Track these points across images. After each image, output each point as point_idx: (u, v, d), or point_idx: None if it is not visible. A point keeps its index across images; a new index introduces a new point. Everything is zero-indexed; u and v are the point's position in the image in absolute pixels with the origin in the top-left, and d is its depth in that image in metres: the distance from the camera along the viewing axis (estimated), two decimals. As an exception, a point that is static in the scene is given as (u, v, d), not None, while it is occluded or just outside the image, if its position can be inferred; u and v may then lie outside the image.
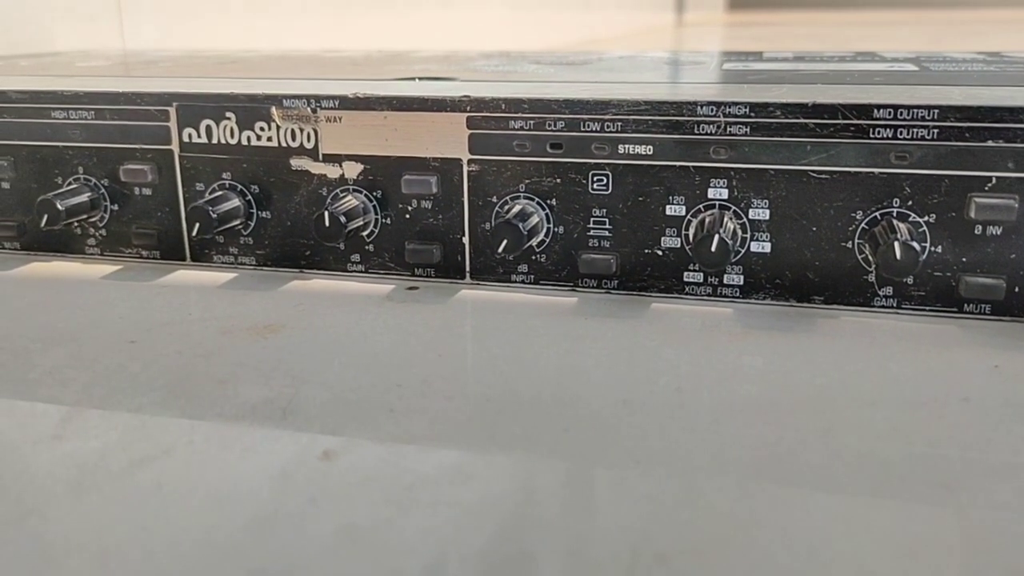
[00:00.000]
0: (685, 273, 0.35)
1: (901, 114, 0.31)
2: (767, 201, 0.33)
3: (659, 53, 0.58)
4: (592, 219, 0.35)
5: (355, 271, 0.38)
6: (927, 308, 0.33)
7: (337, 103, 0.36)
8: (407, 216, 0.37)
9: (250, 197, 0.38)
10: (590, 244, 0.35)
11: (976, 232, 0.32)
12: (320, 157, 0.37)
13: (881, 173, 0.32)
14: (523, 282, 0.36)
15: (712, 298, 0.35)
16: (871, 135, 0.32)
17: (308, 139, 0.37)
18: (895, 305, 0.33)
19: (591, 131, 0.34)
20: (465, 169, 0.35)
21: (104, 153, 0.39)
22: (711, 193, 0.33)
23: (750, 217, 0.33)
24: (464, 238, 0.36)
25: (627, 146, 0.34)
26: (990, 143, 0.31)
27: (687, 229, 0.34)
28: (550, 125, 0.34)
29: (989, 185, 0.31)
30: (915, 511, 0.21)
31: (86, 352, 0.31)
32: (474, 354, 0.31)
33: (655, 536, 0.20)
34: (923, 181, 0.32)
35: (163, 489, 0.22)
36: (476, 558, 0.19)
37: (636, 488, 0.22)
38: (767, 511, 0.21)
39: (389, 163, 0.36)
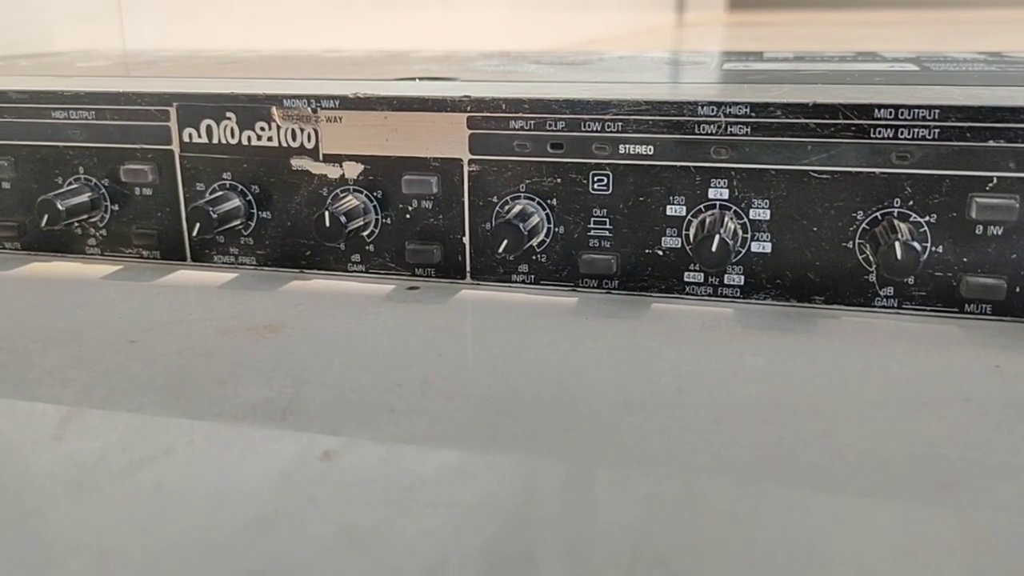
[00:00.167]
0: (686, 273, 0.35)
1: (902, 114, 0.31)
2: (768, 201, 0.33)
3: (659, 53, 0.57)
4: (593, 219, 0.35)
5: (355, 271, 0.38)
6: (928, 308, 0.33)
7: (337, 103, 0.36)
8: (407, 216, 0.37)
9: (250, 197, 0.38)
10: (591, 244, 0.35)
11: (977, 232, 0.32)
12: (320, 157, 0.37)
13: (882, 173, 0.32)
14: (523, 282, 0.36)
15: (713, 298, 0.35)
16: (872, 135, 0.32)
17: (308, 139, 0.37)
18: (896, 305, 0.33)
19: (592, 131, 0.34)
20: (465, 169, 0.35)
21: (104, 153, 0.39)
22: (712, 193, 0.33)
23: (751, 217, 0.33)
24: (464, 238, 0.36)
25: (628, 146, 0.34)
26: (991, 143, 0.31)
27: (688, 229, 0.34)
28: (551, 125, 0.34)
29: (990, 185, 0.31)
30: (916, 511, 0.21)
31: (86, 352, 0.31)
32: (474, 354, 0.30)
33: (655, 536, 0.20)
34: (924, 181, 0.32)
35: (163, 489, 0.22)
36: (476, 558, 0.19)
37: (636, 488, 0.22)
38: (768, 511, 0.21)
39: (389, 163, 0.36)
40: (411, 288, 0.37)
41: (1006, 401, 0.26)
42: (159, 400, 0.27)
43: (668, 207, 0.34)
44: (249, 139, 0.37)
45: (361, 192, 0.37)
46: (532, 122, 0.34)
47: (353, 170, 0.37)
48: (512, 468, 0.23)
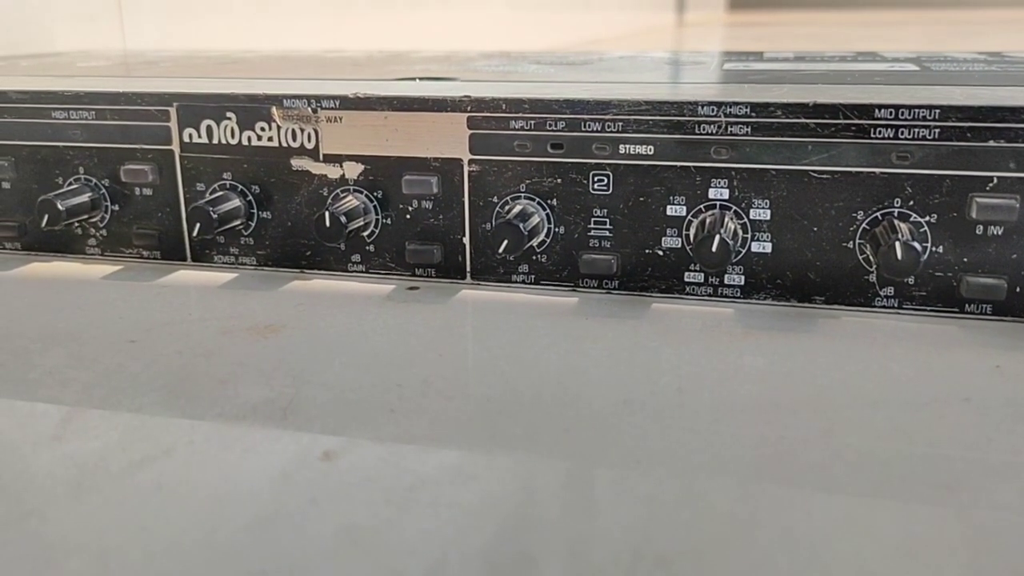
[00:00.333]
0: (686, 273, 0.35)
1: (902, 114, 0.31)
2: (768, 201, 0.33)
3: (660, 53, 0.57)
4: (593, 219, 0.35)
5: (356, 271, 0.38)
6: (928, 308, 0.33)
7: (338, 103, 0.36)
8: (408, 216, 0.37)
9: (251, 197, 0.38)
10: (591, 244, 0.35)
11: (977, 232, 0.32)
12: (321, 157, 0.37)
13: (882, 173, 0.32)
14: (524, 282, 0.36)
15: (713, 298, 0.35)
16: (872, 135, 0.31)
17: (309, 139, 0.37)
18: (896, 305, 0.33)
19: (592, 131, 0.34)
20: (466, 169, 0.35)
21: (105, 153, 0.39)
22: (712, 193, 0.33)
23: (751, 217, 0.33)
24: (465, 238, 0.36)
25: (628, 146, 0.34)
26: (991, 143, 0.31)
27: (688, 229, 0.34)
28: (551, 125, 0.34)
29: (990, 185, 0.31)
30: (916, 511, 0.21)
31: (86, 352, 0.31)
32: (475, 354, 0.30)
33: (656, 537, 0.20)
34: (924, 181, 0.32)
35: (163, 489, 0.22)
36: (477, 559, 0.19)
37: (637, 488, 0.22)
38: (768, 512, 0.21)
39: (390, 163, 0.36)
40: (411, 288, 0.37)
41: (1006, 401, 0.26)
42: (159, 400, 0.27)
43: (668, 207, 0.34)
44: (249, 139, 0.37)
45: (361, 192, 0.37)
46: (532, 122, 0.34)
47: (353, 170, 0.37)
48: (512, 468, 0.23)
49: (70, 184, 0.40)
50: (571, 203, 0.35)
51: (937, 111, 0.31)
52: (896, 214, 0.32)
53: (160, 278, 0.38)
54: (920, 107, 0.31)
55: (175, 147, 0.38)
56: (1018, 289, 0.32)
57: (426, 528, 0.20)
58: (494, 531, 0.20)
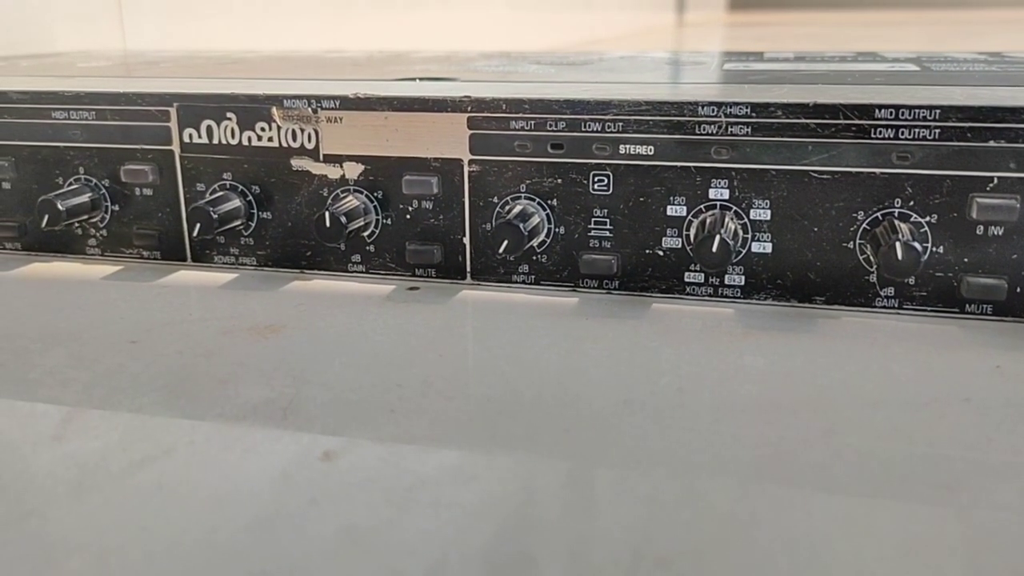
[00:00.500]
0: (686, 273, 0.35)
1: (902, 114, 0.31)
2: (768, 201, 0.33)
3: (660, 53, 0.57)
4: (593, 219, 0.35)
5: (356, 271, 0.38)
6: (928, 308, 0.33)
7: (338, 103, 0.36)
8: (408, 216, 0.37)
9: (251, 197, 0.38)
10: (591, 244, 0.35)
11: (978, 232, 0.32)
12: (321, 157, 0.37)
13: (882, 173, 0.32)
14: (524, 282, 0.36)
15: (713, 298, 0.35)
16: (872, 135, 0.31)
17: (309, 139, 0.37)
18: (896, 305, 0.33)
19: (592, 131, 0.34)
20: (466, 169, 0.35)
21: (105, 153, 0.39)
22: (712, 193, 0.33)
23: (751, 217, 0.33)
24: (465, 238, 0.36)
25: (628, 146, 0.34)
26: (992, 143, 0.31)
27: (688, 229, 0.34)
28: (551, 125, 0.34)
29: (991, 185, 0.31)
30: (916, 512, 0.21)
31: (87, 352, 0.31)
32: (475, 354, 0.30)
33: (656, 537, 0.20)
34: (925, 181, 0.32)
35: (164, 490, 0.22)
36: (477, 559, 0.19)
37: (637, 489, 0.22)
38: (768, 512, 0.21)
39: (390, 163, 0.36)
40: (411, 288, 0.37)
41: (1006, 401, 0.26)
42: (160, 400, 0.27)
43: (668, 207, 0.34)
44: (249, 139, 0.37)
45: (361, 192, 0.37)
46: (532, 122, 0.34)
47: (353, 170, 0.37)
48: (513, 468, 0.23)
49: (70, 184, 0.40)
50: (571, 203, 0.35)
51: (937, 111, 0.31)
52: (896, 214, 0.32)
53: (160, 278, 0.38)
54: (920, 107, 0.31)
55: (175, 147, 0.38)
56: (1018, 289, 0.32)
57: (426, 528, 0.20)
58: (494, 531, 0.20)
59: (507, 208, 0.35)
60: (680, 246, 0.34)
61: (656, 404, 0.26)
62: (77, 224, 0.40)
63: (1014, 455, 0.23)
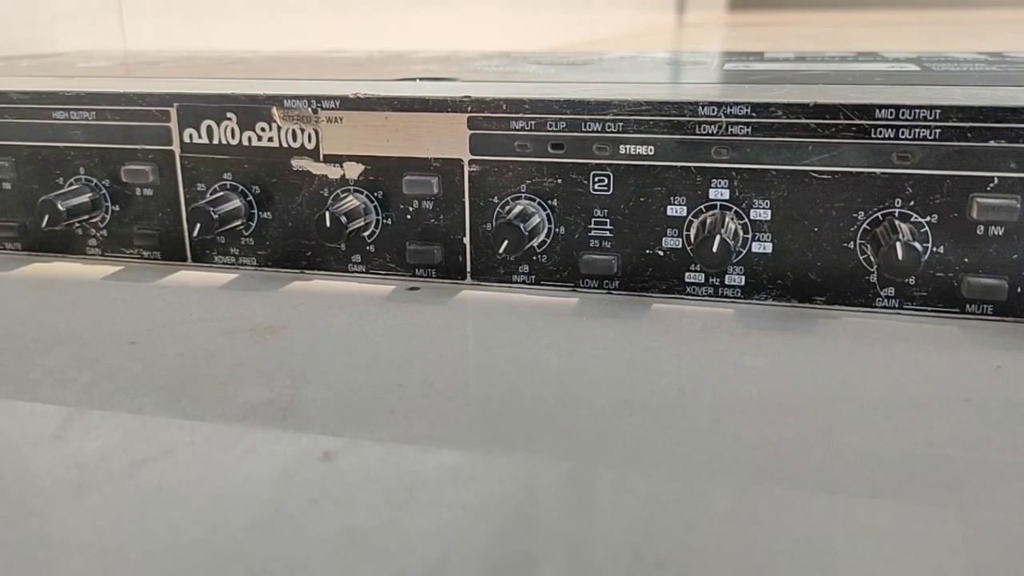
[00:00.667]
0: (686, 273, 0.35)
1: (903, 114, 0.31)
2: (768, 201, 0.33)
3: (660, 53, 0.57)
4: (593, 219, 0.35)
5: (356, 272, 0.38)
6: (929, 309, 0.33)
7: (338, 103, 0.36)
8: (408, 217, 0.37)
9: (251, 198, 0.38)
10: (591, 245, 0.35)
11: (978, 232, 0.32)
12: (321, 158, 0.37)
13: (883, 173, 0.32)
14: (524, 283, 0.36)
15: (713, 299, 0.35)
16: (873, 135, 0.31)
17: (309, 140, 0.37)
18: (897, 306, 0.33)
19: (592, 131, 0.34)
20: (466, 170, 0.35)
21: (105, 154, 0.39)
22: (712, 193, 0.33)
23: (751, 217, 0.33)
24: (465, 239, 0.36)
25: (628, 146, 0.34)
26: (992, 143, 0.31)
27: (688, 229, 0.34)
28: (551, 125, 0.34)
29: (991, 185, 0.31)
30: (917, 512, 0.21)
31: (87, 352, 0.31)
32: (475, 354, 0.30)
33: (657, 537, 0.20)
34: (925, 181, 0.32)
35: (164, 490, 0.22)
36: (477, 559, 0.19)
37: (637, 489, 0.22)
38: (769, 512, 0.21)
39: (390, 164, 0.36)
40: (412, 288, 0.37)
41: (1007, 401, 0.26)
42: (160, 401, 0.27)
43: (669, 207, 0.34)
44: (250, 139, 0.37)
45: (362, 192, 0.37)
46: (533, 122, 0.34)
47: (354, 170, 0.37)
48: (513, 469, 0.23)
49: (71, 184, 0.40)
50: (571, 203, 0.35)
51: (938, 111, 0.31)
52: (897, 214, 0.32)
53: (161, 278, 0.38)
54: (921, 107, 0.31)
55: (175, 147, 0.38)
56: (1019, 289, 0.32)
57: (426, 528, 0.20)
58: (494, 531, 0.20)
59: (507, 208, 0.35)
60: (680, 246, 0.34)
61: (656, 404, 0.26)
62: (77, 224, 0.40)
63: (1014, 455, 0.23)
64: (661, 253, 0.35)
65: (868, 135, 0.32)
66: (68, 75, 0.46)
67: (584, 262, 0.35)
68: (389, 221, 0.37)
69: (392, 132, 0.36)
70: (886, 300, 0.33)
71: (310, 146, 0.37)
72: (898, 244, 0.30)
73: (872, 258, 0.32)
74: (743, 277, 0.34)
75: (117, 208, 0.40)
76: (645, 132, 0.33)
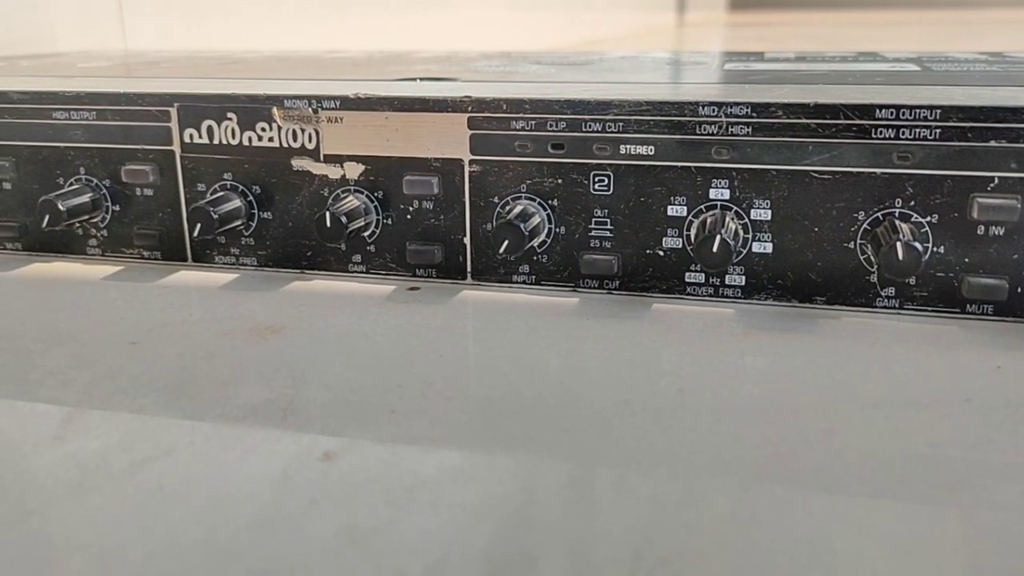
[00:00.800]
0: (687, 274, 0.35)
1: (903, 114, 0.31)
2: (769, 201, 0.33)
3: (660, 53, 0.57)
4: (594, 219, 0.35)
5: (356, 272, 0.38)
6: (929, 309, 0.33)
7: (338, 104, 0.36)
8: (408, 217, 0.37)
9: (251, 198, 0.38)
10: (591, 245, 0.35)
11: (979, 232, 0.32)
12: (321, 158, 0.37)
13: (883, 173, 0.32)
14: (524, 283, 0.36)
15: (714, 299, 0.35)
16: (873, 135, 0.31)
17: (309, 140, 0.37)
18: (897, 306, 0.33)
19: (592, 131, 0.34)
20: (466, 170, 0.35)
21: (105, 154, 0.39)
22: (713, 193, 0.33)
23: (752, 217, 0.33)
24: (465, 239, 0.36)
25: (629, 146, 0.34)
26: (992, 143, 0.31)
27: (689, 230, 0.34)
28: (551, 125, 0.34)
29: (992, 185, 0.31)
30: (917, 512, 0.21)
31: (87, 353, 0.31)
32: (475, 355, 0.30)
33: (657, 537, 0.20)
34: (925, 181, 0.32)
35: (164, 490, 0.22)
36: (477, 559, 0.19)
37: (638, 489, 0.22)
38: (769, 512, 0.21)
39: (390, 164, 0.36)
40: (412, 289, 0.37)
41: (1007, 401, 0.26)
42: (160, 401, 0.27)
43: (669, 207, 0.34)
44: (250, 139, 0.37)
45: (362, 192, 0.37)
46: (533, 122, 0.34)
47: (354, 170, 0.37)
48: (513, 469, 0.23)
49: (71, 184, 0.40)
50: (572, 203, 0.35)
51: (938, 111, 0.31)
52: (897, 214, 0.32)
53: (161, 279, 0.38)
54: (921, 107, 0.31)
55: (176, 147, 0.38)
56: (1019, 289, 0.32)
57: (426, 528, 0.20)
58: (495, 531, 0.20)
59: (508, 208, 0.35)
60: (681, 246, 0.34)
61: (657, 404, 0.26)
62: (78, 224, 0.40)
63: (1015, 455, 0.23)
64: (661, 253, 0.35)
65: (868, 135, 0.31)
66: (68, 75, 0.46)
67: (584, 262, 0.35)
68: (389, 221, 0.37)
69: (392, 132, 0.36)
70: (886, 300, 0.33)
71: (310, 146, 0.37)
72: (898, 244, 0.30)
73: (872, 258, 0.32)
74: (743, 277, 0.34)
75: (117, 208, 0.40)
76: (645, 132, 0.33)
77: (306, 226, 0.38)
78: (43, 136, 0.40)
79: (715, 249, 0.32)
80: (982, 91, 0.34)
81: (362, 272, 0.38)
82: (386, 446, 0.24)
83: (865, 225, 0.32)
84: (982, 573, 0.19)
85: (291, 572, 0.19)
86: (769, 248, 0.33)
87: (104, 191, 0.40)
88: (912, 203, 0.32)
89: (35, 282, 0.38)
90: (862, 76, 0.41)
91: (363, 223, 0.36)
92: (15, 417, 0.26)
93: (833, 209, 0.33)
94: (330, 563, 0.19)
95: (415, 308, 0.35)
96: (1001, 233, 0.31)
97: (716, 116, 0.33)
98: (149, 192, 0.39)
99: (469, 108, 0.35)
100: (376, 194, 0.37)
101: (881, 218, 0.32)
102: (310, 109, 0.36)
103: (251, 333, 0.32)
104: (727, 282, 0.34)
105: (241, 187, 0.38)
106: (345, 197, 0.36)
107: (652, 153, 0.33)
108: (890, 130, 0.31)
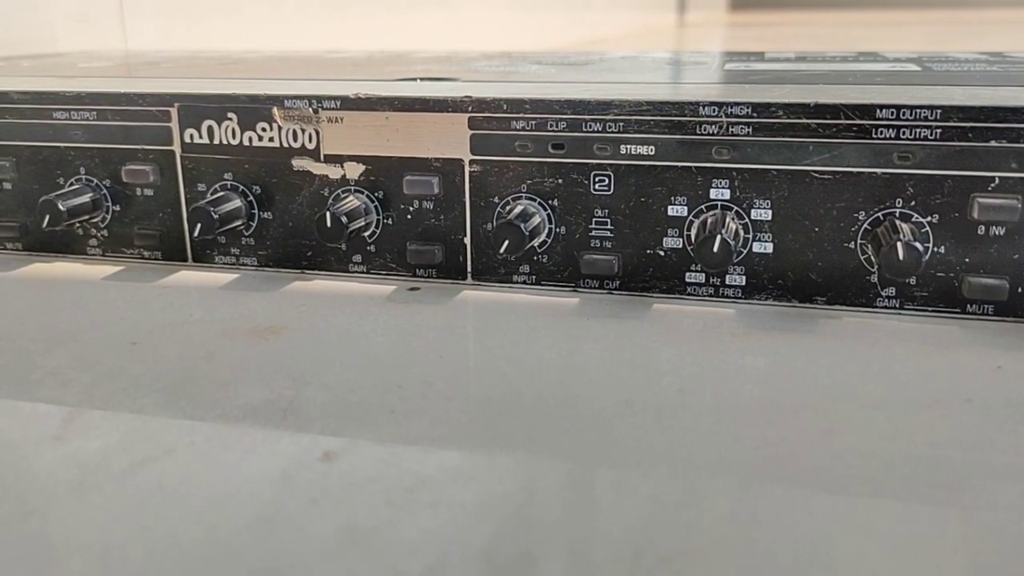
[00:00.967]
0: (687, 274, 0.35)
1: (904, 114, 0.31)
2: (769, 201, 0.33)
3: (661, 53, 0.57)
4: (594, 220, 0.35)
5: (356, 272, 0.38)
6: (930, 309, 0.33)
7: (339, 104, 0.36)
8: (409, 217, 0.37)
9: (252, 198, 0.38)
10: (592, 245, 0.35)
11: (979, 232, 0.32)
12: (322, 158, 0.37)
13: (884, 173, 0.32)
14: (525, 283, 0.36)
15: (714, 299, 0.35)
16: (874, 135, 0.31)
17: (310, 140, 0.37)
18: (898, 306, 0.33)
19: (593, 131, 0.34)
20: (467, 170, 0.35)
21: (106, 154, 0.39)
22: (713, 193, 0.33)
23: (752, 217, 0.33)
24: (466, 239, 0.36)
25: (629, 146, 0.34)
26: (993, 143, 0.31)
27: (689, 230, 0.34)
28: (552, 125, 0.34)
29: (992, 185, 0.31)
30: (918, 512, 0.21)
31: (88, 353, 0.31)
32: (476, 355, 0.30)
33: (657, 537, 0.20)
34: (926, 181, 0.32)
35: (164, 490, 0.22)
36: (477, 559, 0.19)
37: (638, 489, 0.22)
38: (769, 512, 0.21)
39: (391, 164, 0.36)
40: (412, 289, 0.37)
41: (1008, 402, 0.26)
42: (160, 401, 0.27)
43: (669, 207, 0.34)
44: (250, 140, 0.37)
45: (362, 192, 0.37)
46: (533, 122, 0.34)
47: (354, 170, 0.37)
48: (513, 469, 0.23)
49: (71, 184, 0.40)
50: (572, 203, 0.35)
51: (939, 111, 0.31)
52: (898, 214, 0.32)
53: (161, 279, 0.38)
54: (922, 107, 0.31)
55: (176, 147, 0.38)
56: (1020, 290, 0.32)
57: (427, 528, 0.20)
58: (495, 531, 0.20)
59: (508, 208, 0.35)
60: (681, 246, 0.34)
61: (657, 404, 0.26)
62: (78, 224, 0.40)
63: (1016, 456, 0.23)
64: (662, 253, 0.35)
65: (869, 135, 0.31)
66: (69, 75, 0.46)
67: (585, 262, 0.35)
68: (390, 221, 0.37)
69: (393, 132, 0.36)
70: (887, 300, 0.33)
71: (311, 146, 0.37)
72: (899, 244, 0.30)
73: (873, 258, 0.32)
74: (744, 277, 0.34)
75: (118, 208, 0.40)
76: (646, 132, 0.33)
77: (306, 226, 0.38)
78: (43, 136, 0.40)
79: (715, 249, 0.32)
80: (982, 91, 0.34)
81: (362, 272, 0.38)
82: (386, 446, 0.24)
83: (865, 225, 0.32)
84: (982, 573, 0.19)
85: (291, 572, 0.19)
86: (769, 248, 0.33)
87: (104, 191, 0.40)
88: (912, 203, 0.32)
89: (35, 282, 0.38)
90: (862, 76, 0.41)
91: (363, 223, 0.36)
92: (16, 417, 0.26)
93: (833, 209, 0.33)
94: (330, 563, 0.19)
95: (415, 308, 0.35)
96: (1002, 233, 0.31)
97: (716, 116, 0.33)
98: (149, 192, 0.39)
99: (469, 108, 0.35)
100: (376, 194, 0.37)
101: (882, 218, 0.32)
102: (310, 109, 0.36)
103: (251, 333, 0.32)
104: (727, 282, 0.34)
105: (241, 187, 0.38)
106: (345, 197, 0.36)
107: (652, 153, 0.33)
108: (890, 130, 0.31)
